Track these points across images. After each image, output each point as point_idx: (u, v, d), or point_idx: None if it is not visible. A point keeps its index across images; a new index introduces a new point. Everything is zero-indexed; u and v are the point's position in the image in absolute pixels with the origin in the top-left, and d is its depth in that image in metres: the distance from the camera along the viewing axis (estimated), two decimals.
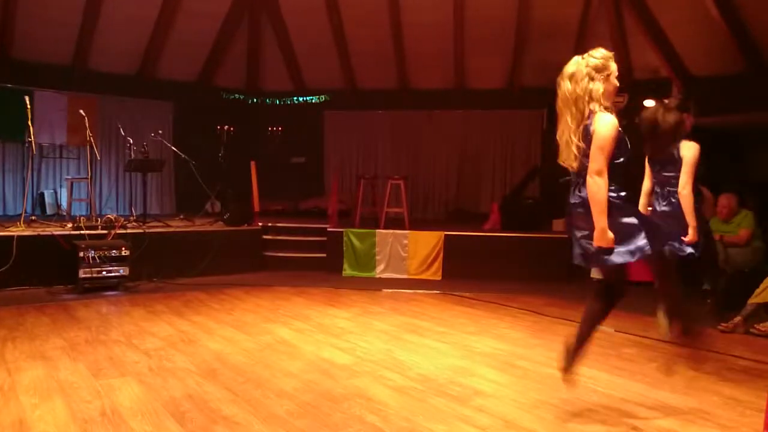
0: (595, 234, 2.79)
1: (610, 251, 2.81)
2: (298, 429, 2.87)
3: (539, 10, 9.54)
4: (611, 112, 2.84)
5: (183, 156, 8.44)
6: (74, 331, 4.63)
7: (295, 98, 11.58)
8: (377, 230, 7.95)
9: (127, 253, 6.46)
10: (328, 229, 8.15)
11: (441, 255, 7.73)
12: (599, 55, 2.86)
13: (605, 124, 2.76)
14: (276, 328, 4.95)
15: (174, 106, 10.83)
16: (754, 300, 4.97)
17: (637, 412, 3.18)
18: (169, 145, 8.87)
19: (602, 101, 2.83)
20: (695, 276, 6.21)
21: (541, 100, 10.43)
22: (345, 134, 11.71)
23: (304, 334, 4.75)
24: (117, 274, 6.37)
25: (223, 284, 6.93)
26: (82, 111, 7.46)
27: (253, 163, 8.74)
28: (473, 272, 7.60)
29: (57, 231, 6.58)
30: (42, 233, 6.46)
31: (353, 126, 11.58)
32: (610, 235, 2.77)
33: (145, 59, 10.25)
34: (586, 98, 2.83)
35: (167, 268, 7.10)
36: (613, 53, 2.92)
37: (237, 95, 11.49)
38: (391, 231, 7.93)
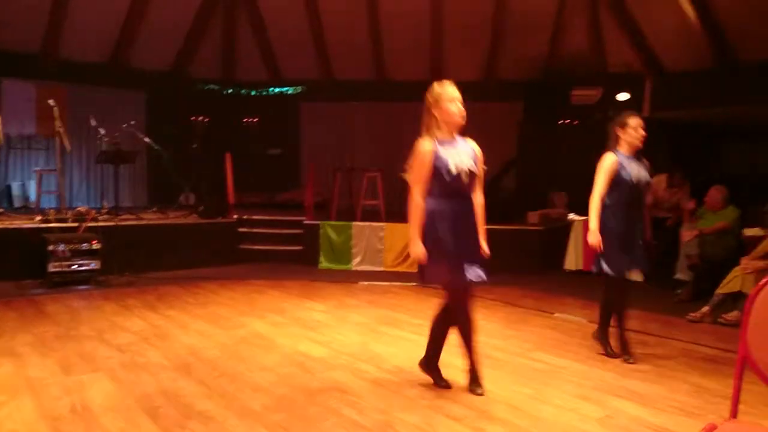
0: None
1: (422, 264, 3.16)
2: (274, 423, 2.86)
3: (516, 2, 9.56)
4: (447, 135, 3.20)
5: (156, 147, 8.30)
6: (43, 327, 4.53)
7: (270, 89, 11.45)
8: (354, 223, 7.94)
9: (99, 246, 6.34)
10: (305, 222, 8.11)
11: None
12: (435, 89, 3.22)
13: (415, 149, 3.19)
14: (251, 321, 4.91)
15: (147, 96, 10.62)
16: (721, 290, 5.09)
17: (609, 401, 3.24)
18: (141, 136, 8.70)
19: (433, 129, 3.21)
20: (666, 267, 6.36)
21: (517, 93, 10.52)
22: (322, 126, 11.62)
23: (279, 328, 4.73)
24: (88, 267, 6.25)
25: (197, 278, 6.85)
26: (51, 101, 7.27)
27: (228, 155, 8.64)
28: None
29: (25, 224, 6.43)
30: (9, 226, 6.31)
31: (330, 117, 11.50)
32: (420, 247, 3.12)
33: (117, 48, 10.02)
34: (423, 126, 3.26)
35: (140, 261, 6.98)
36: (449, 82, 3.24)
37: (212, 85, 11.31)
38: (367, 223, 7.92)
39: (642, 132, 3.97)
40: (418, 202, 3.14)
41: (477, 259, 3.22)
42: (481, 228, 3.30)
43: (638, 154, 4.02)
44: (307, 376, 3.56)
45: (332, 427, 2.83)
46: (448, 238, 3.12)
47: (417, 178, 3.16)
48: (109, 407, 2.99)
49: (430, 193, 3.17)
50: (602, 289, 4.15)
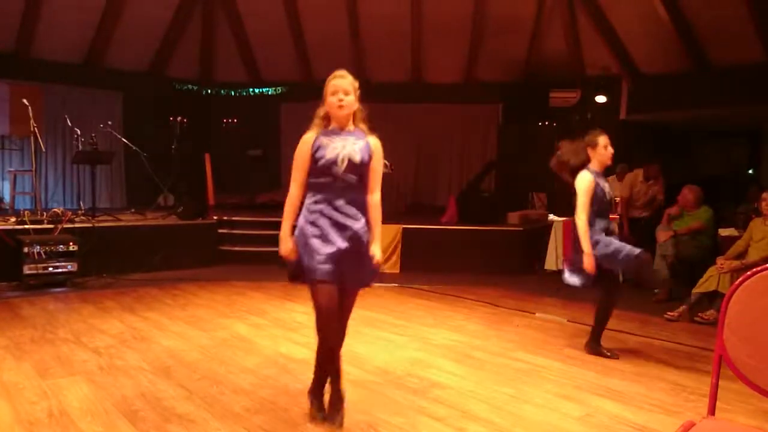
0: None
1: (290, 261, 3.03)
2: (256, 425, 2.84)
3: (495, 5, 9.64)
4: (336, 125, 3.06)
5: (134, 148, 8.19)
6: (19, 330, 4.44)
7: (250, 90, 11.37)
8: None
9: (76, 248, 6.23)
10: None
11: (399, 248, 7.76)
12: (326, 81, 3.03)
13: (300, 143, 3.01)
14: (232, 323, 4.87)
15: (124, 96, 10.47)
16: (697, 290, 5.19)
17: (590, 399, 3.27)
18: (119, 136, 8.59)
19: (321, 121, 3.11)
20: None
21: (497, 95, 10.61)
22: (302, 127, 11.26)
23: (260, 329, 4.70)
24: (64, 269, 6.13)
25: (176, 279, 6.77)
26: (25, 100, 7.12)
27: (207, 156, 8.56)
28: (431, 265, 7.65)
29: None
30: None
31: (310, 118, 11.41)
32: (288, 245, 2.98)
33: (93, 47, 9.87)
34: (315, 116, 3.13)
35: (118, 263, 6.87)
36: (335, 73, 3.10)
37: (190, 86, 11.20)
38: None
39: (611, 150, 4.15)
40: (290, 195, 2.97)
41: (357, 263, 2.90)
42: (375, 229, 2.92)
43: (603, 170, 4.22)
44: (288, 378, 3.54)
45: (314, 429, 2.82)
46: (318, 239, 2.87)
47: (295, 171, 2.98)
48: (86, 411, 2.94)
49: (309, 187, 2.95)
50: (601, 295, 4.15)
